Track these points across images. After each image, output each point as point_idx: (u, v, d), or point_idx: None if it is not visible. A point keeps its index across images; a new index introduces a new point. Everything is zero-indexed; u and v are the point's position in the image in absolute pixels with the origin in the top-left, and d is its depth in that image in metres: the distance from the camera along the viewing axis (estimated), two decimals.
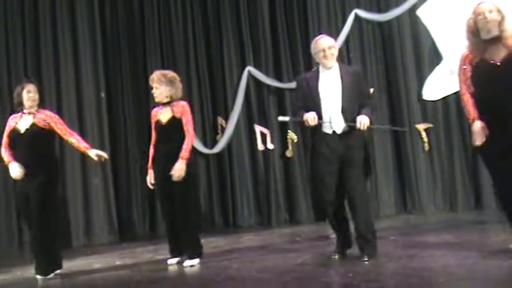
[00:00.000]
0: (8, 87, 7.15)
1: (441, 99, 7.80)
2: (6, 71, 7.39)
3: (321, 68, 4.29)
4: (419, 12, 7.78)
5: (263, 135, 8.03)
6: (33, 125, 4.63)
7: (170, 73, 4.86)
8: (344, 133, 4.17)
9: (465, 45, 3.75)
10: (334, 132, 4.17)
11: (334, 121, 4.15)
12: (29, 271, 4.79)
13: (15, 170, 4.54)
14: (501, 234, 3.76)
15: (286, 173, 7.96)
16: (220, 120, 8.11)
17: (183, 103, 4.79)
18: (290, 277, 3.65)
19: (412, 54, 7.96)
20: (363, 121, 4.08)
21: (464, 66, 3.72)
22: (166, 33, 8.13)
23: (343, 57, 8.13)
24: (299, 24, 8.17)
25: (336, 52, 4.29)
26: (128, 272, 4.63)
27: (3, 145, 4.72)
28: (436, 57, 7.82)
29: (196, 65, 8.16)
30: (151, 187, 4.87)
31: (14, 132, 4.66)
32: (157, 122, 4.80)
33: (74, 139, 4.74)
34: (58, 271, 4.64)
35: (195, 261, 4.59)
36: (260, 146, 8.01)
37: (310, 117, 4.11)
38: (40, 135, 4.63)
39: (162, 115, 4.77)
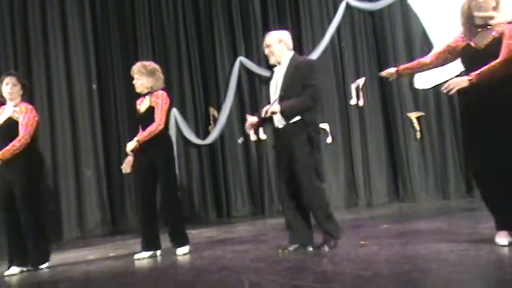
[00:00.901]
0: None
1: (432, 87, 7.82)
2: None
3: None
4: (410, 0, 7.79)
5: None
6: (9, 118, 4.59)
7: (151, 64, 4.88)
8: (286, 126, 4.08)
9: (460, 30, 3.74)
10: (277, 127, 4.15)
11: (275, 116, 4.11)
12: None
13: None
14: (492, 220, 3.79)
15: None
16: (212, 111, 8.10)
17: (161, 92, 4.77)
18: (283, 266, 3.66)
19: (403, 42, 7.97)
20: (266, 109, 4.04)
21: (452, 44, 3.73)
22: (157, 24, 8.10)
23: (335, 45, 8.15)
24: (290, 13, 8.15)
25: (275, 49, 4.17)
26: (122, 263, 4.63)
27: None
28: (427, 46, 7.84)
29: (188, 56, 8.14)
30: (125, 171, 4.89)
31: None
32: (137, 112, 4.88)
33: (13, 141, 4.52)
34: (46, 264, 4.61)
35: (187, 249, 4.62)
36: (253, 137, 8.02)
37: (250, 121, 4.34)
38: (14, 129, 4.56)
39: (142, 105, 4.83)
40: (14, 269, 4.50)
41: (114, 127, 7.87)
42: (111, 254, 5.27)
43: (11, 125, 4.56)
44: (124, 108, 7.87)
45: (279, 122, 4.14)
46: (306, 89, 4.06)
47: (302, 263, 3.70)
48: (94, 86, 7.66)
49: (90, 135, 7.47)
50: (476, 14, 3.53)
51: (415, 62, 4.00)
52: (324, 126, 7.78)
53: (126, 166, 4.86)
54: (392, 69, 4.02)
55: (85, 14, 7.73)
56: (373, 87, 8.19)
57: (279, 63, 4.22)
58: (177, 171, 5.11)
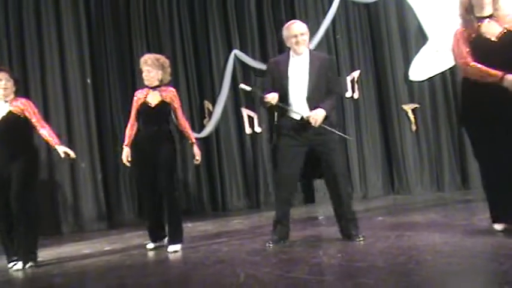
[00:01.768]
0: None
1: (428, 79, 7.85)
2: None
3: (291, 53, 4.25)
4: None
5: (250, 118, 8.03)
6: (10, 112, 4.56)
7: (162, 57, 4.90)
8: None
9: (458, 22, 3.73)
10: (301, 118, 4.12)
11: (299, 108, 4.12)
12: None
13: None
14: (487, 212, 3.81)
15: None
16: (207, 104, 8.08)
17: (172, 89, 4.90)
18: (279, 258, 3.67)
19: (398, 35, 7.98)
20: (315, 118, 4.03)
21: (460, 41, 3.69)
22: (152, 17, 8.05)
23: (330, 38, 8.14)
24: (285, 6, 8.14)
25: (307, 39, 4.24)
26: (118, 256, 4.63)
27: None
28: (422, 38, 7.85)
29: (182, 49, 8.10)
30: (127, 164, 4.87)
31: None
32: (144, 104, 4.79)
33: (46, 132, 4.64)
34: (31, 263, 4.55)
35: (179, 246, 4.62)
36: (248, 130, 8.01)
37: (271, 96, 4.12)
38: (16, 124, 4.55)
39: (150, 98, 4.79)
40: (19, 265, 4.46)
41: (108, 120, 7.78)
42: (106, 248, 5.27)
43: (13, 120, 4.53)
44: (119, 102, 7.79)
45: (303, 114, 4.09)
46: (333, 86, 4.23)
47: (298, 255, 3.72)
48: (88, 80, 7.62)
49: (85, 129, 7.43)
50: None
51: (481, 65, 3.55)
52: None
53: (125, 158, 4.85)
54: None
55: (79, 8, 7.66)
56: (368, 80, 8.19)
57: (300, 54, 4.20)
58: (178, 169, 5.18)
